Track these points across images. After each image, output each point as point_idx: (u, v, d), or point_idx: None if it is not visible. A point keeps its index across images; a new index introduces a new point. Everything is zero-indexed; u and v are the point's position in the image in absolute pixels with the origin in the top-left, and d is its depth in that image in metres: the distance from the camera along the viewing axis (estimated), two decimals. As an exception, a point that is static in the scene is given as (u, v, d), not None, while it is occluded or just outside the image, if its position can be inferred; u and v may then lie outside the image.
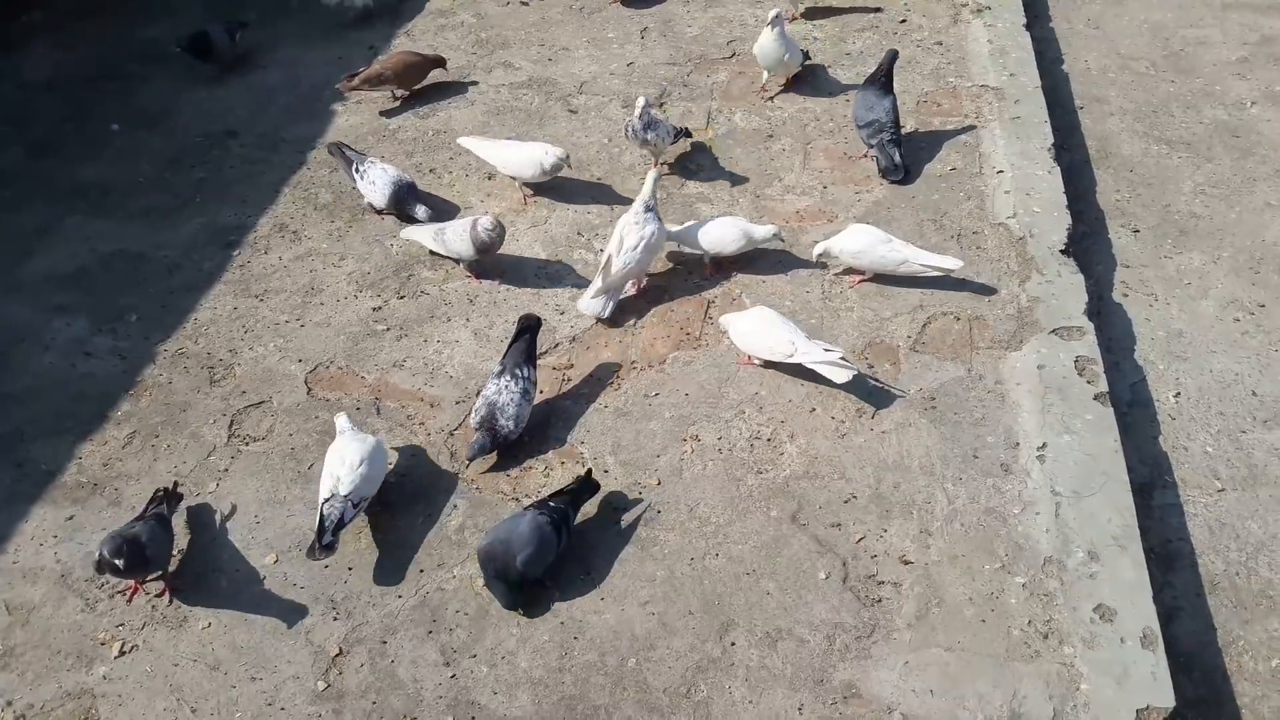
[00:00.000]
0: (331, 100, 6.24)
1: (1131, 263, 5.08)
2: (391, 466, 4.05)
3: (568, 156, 5.33)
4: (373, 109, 6.19)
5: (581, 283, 4.89)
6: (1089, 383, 4.25)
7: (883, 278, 4.78)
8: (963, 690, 3.34)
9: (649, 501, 3.93)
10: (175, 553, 3.73)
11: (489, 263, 4.90)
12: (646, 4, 7.06)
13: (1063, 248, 4.89)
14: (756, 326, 4.35)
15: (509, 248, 5.09)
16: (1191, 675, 3.51)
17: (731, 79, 6.32)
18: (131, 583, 3.65)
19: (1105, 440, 4.02)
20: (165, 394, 4.44)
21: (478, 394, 4.21)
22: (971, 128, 5.81)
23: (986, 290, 4.74)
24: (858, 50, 6.56)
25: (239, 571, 3.75)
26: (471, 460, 4.05)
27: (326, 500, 3.72)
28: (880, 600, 3.59)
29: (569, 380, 4.45)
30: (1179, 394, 4.42)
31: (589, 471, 3.90)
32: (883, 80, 5.53)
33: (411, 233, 5.03)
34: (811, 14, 6.90)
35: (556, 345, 4.60)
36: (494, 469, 4.08)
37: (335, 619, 3.60)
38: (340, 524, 3.68)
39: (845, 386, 4.22)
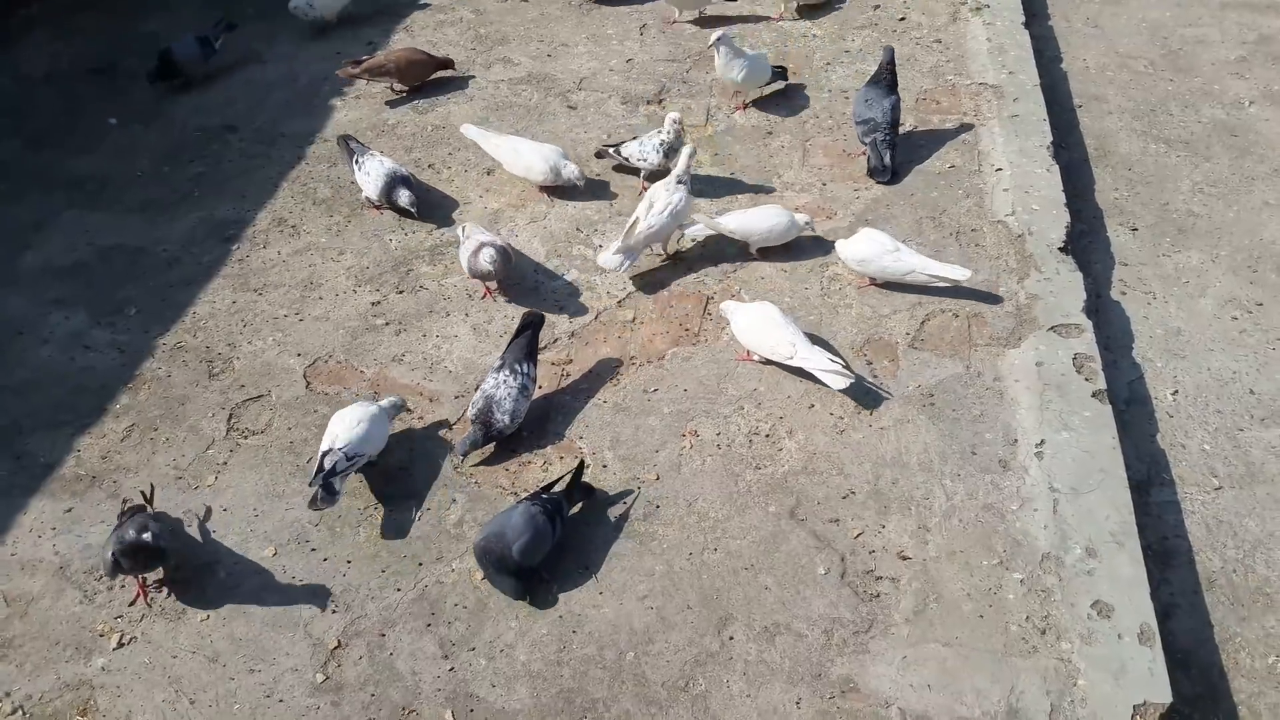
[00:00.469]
0: (330, 95, 6.24)
1: (1130, 261, 5.09)
2: (384, 447, 4.05)
3: (583, 177, 5.33)
4: (372, 104, 6.18)
5: (580, 279, 4.89)
6: (1087, 380, 4.25)
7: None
8: (960, 685, 3.35)
9: (637, 492, 3.93)
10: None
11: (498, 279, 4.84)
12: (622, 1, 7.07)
13: (1061, 245, 4.90)
14: (758, 324, 4.35)
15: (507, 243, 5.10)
16: (1189, 672, 3.51)
17: (731, 76, 6.32)
18: (138, 583, 3.64)
19: (1103, 437, 4.03)
20: (164, 387, 4.44)
21: (476, 388, 4.21)
22: (970, 125, 5.82)
23: (985, 287, 4.74)
24: (857, 48, 6.57)
25: (237, 564, 3.75)
26: (464, 455, 4.06)
27: (326, 453, 3.84)
28: (878, 595, 3.60)
29: (568, 375, 4.45)
30: (1177, 392, 4.43)
31: (581, 463, 3.90)
32: (885, 79, 5.54)
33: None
34: (808, 11, 6.91)
35: (556, 340, 4.60)
36: (492, 463, 4.08)
37: (334, 612, 3.60)
38: (334, 471, 3.78)
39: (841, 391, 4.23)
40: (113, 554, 3.46)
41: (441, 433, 4.21)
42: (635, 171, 5.43)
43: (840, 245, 4.79)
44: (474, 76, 6.39)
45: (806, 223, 4.93)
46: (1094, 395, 4.19)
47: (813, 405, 4.26)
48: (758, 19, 6.89)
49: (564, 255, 5.06)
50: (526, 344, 4.22)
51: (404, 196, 5.15)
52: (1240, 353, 4.57)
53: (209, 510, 3.92)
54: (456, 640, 3.51)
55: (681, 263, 4.99)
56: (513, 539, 3.53)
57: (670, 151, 5.23)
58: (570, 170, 5.24)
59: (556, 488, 3.84)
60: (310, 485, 3.79)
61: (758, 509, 3.89)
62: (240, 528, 3.87)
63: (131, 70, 6.42)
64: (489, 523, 3.69)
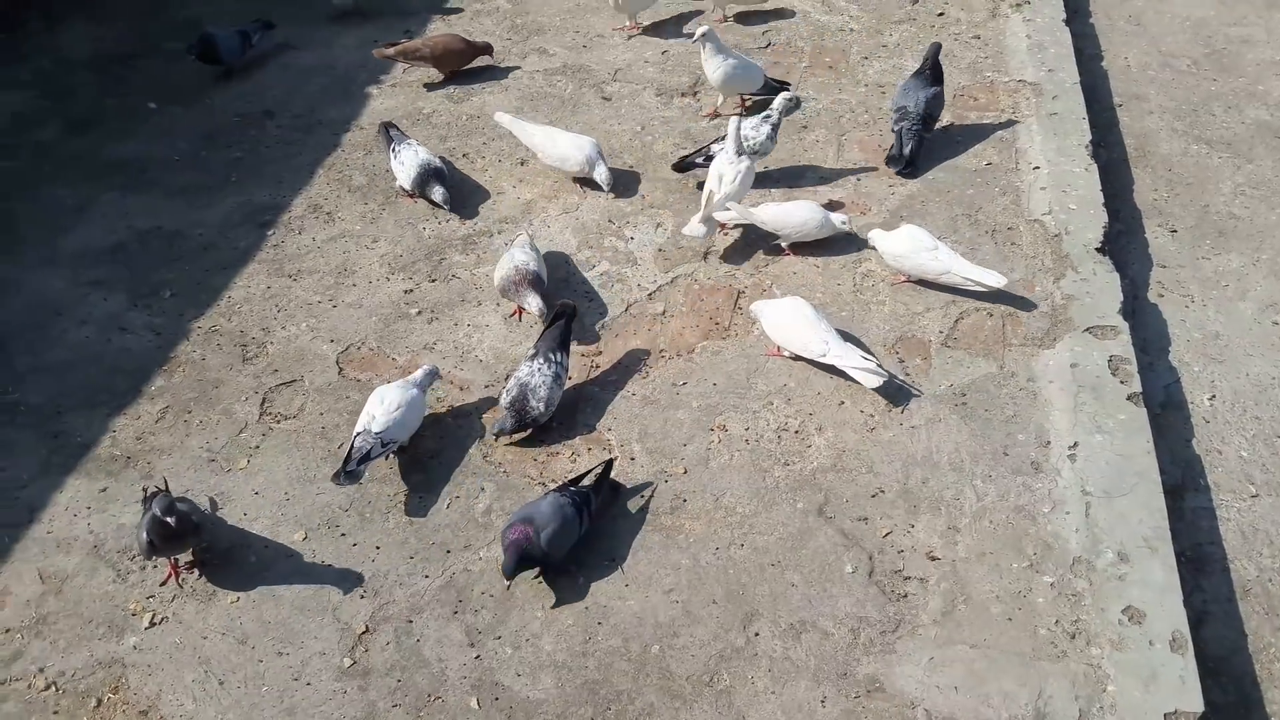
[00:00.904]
0: (367, 83, 6.27)
1: (1168, 263, 5.03)
2: (416, 431, 4.08)
3: (614, 184, 5.33)
4: (409, 92, 6.20)
5: (612, 271, 4.89)
6: (1122, 383, 4.20)
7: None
8: (987, 688, 3.32)
9: (664, 485, 3.93)
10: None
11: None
12: None
13: (1098, 246, 4.85)
14: (790, 320, 4.33)
15: (539, 233, 5.11)
16: (1220, 680, 3.47)
17: (766, 69, 6.28)
18: (170, 564, 3.68)
19: (1138, 441, 3.98)
20: (198, 370, 4.48)
21: (508, 377, 4.23)
22: (1008, 123, 5.76)
23: (1020, 287, 4.70)
24: (894, 43, 6.52)
25: (268, 548, 3.78)
26: (497, 436, 4.08)
27: (359, 434, 3.87)
28: (906, 595, 3.58)
29: (597, 367, 4.45)
30: (1214, 396, 4.37)
31: (610, 461, 3.90)
32: (927, 72, 5.50)
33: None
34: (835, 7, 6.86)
35: (585, 332, 4.60)
36: (521, 453, 4.09)
37: (362, 597, 3.62)
38: (366, 457, 3.82)
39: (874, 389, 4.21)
40: (148, 533, 3.50)
41: (471, 421, 4.22)
42: (683, 168, 5.38)
43: (878, 237, 4.75)
44: (510, 66, 6.40)
45: (844, 222, 4.89)
46: (1129, 398, 4.14)
47: (843, 402, 4.24)
48: (790, 13, 6.84)
49: (595, 247, 5.06)
50: (560, 334, 4.23)
51: (438, 193, 5.17)
52: (1280, 358, 4.51)
53: (214, 502, 3.94)
54: (483, 628, 3.53)
55: (713, 256, 4.98)
56: (541, 526, 3.54)
57: (777, 129, 5.25)
58: (602, 172, 5.25)
59: (584, 481, 3.84)
60: (346, 469, 3.81)
61: (785, 505, 3.88)
62: (271, 511, 3.91)
63: (172, 54, 6.47)
64: (517, 510, 3.71)
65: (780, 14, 6.81)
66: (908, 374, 4.34)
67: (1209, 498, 4.01)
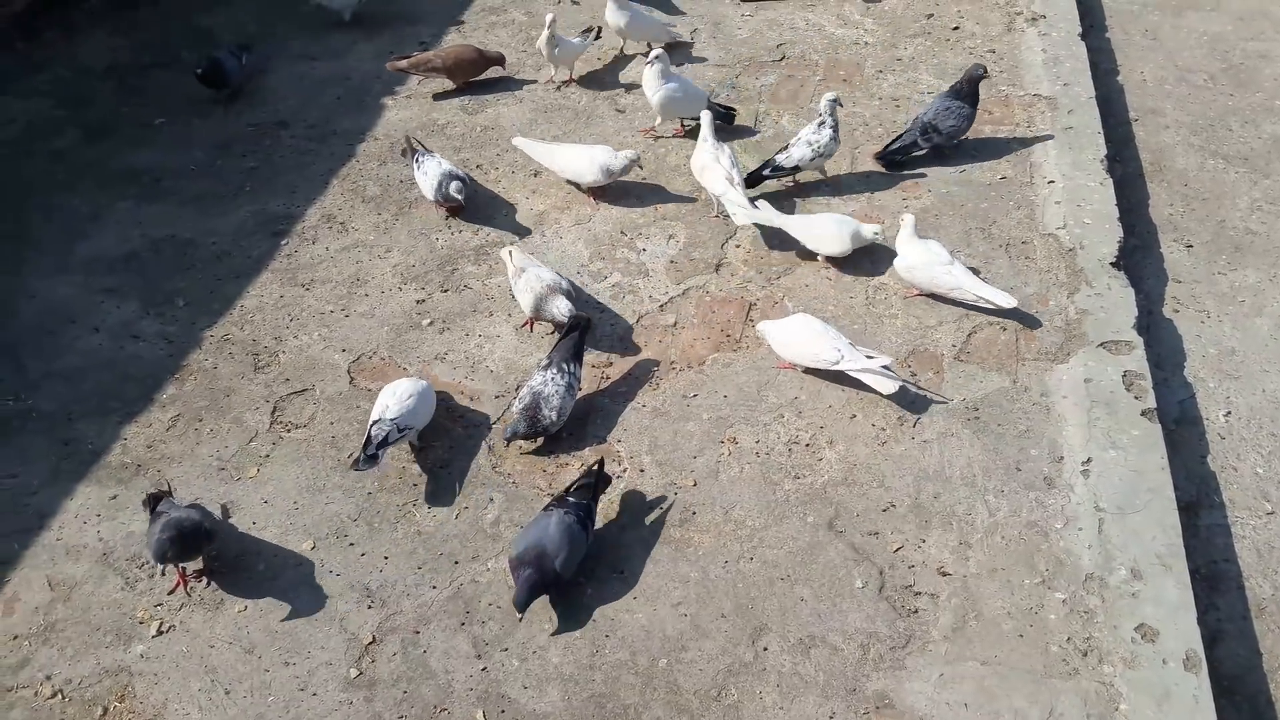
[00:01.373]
0: (381, 94, 6.29)
1: (1184, 278, 4.99)
2: (422, 439, 4.07)
3: (638, 157, 5.37)
4: (423, 104, 6.22)
5: (624, 282, 4.88)
6: (1137, 398, 4.17)
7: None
8: (998, 705, 3.29)
9: (674, 498, 3.91)
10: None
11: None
12: None
13: (1113, 261, 4.82)
14: (798, 336, 4.31)
15: (551, 244, 5.11)
16: (1234, 700, 3.43)
17: (780, 82, 6.29)
18: (178, 573, 3.68)
19: (1152, 457, 3.95)
20: (210, 379, 4.49)
21: (517, 388, 4.22)
22: (1023, 137, 5.74)
23: (1034, 301, 4.67)
24: (909, 56, 6.50)
25: (276, 557, 3.78)
26: (509, 442, 4.08)
27: (375, 423, 3.93)
28: (916, 611, 3.55)
29: (608, 378, 4.44)
30: (1229, 413, 4.33)
31: (601, 463, 3.88)
32: (957, 86, 5.53)
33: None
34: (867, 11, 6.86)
35: (597, 343, 4.59)
36: (531, 464, 4.09)
37: (369, 607, 3.61)
38: (384, 442, 3.89)
39: (889, 396, 4.19)
40: (163, 537, 3.49)
41: (482, 432, 4.22)
42: (753, 182, 5.36)
43: (898, 247, 4.74)
44: (526, 79, 6.41)
45: (875, 233, 4.84)
46: (1143, 414, 4.11)
47: (854, 415, 4.22)
48: (805, 27, 6.84)
49: (608, 258, 5.05)
50: (574, 345, 4.22)
51: (454, 185, 5.16)
52: (1297, 375, 4.46)
53: (225, 509, 3.94)
54: (490, 640, 3.51)
55: (725, 268, 4.97)
56: (554, 553, 3.51)
57: (837, 128, 5.30)
58: (621, 159, 5.27)
59: (580, 485, 3.81)
60: (366, 453, 3.88)
61: (796, 519, 3.85)
62: (280, 520, 3.90)
63: (188, 65, 6.51)
64: (523, 533, 3.66)
65: (795, 27, 6.81)
66: (921, 388, 4.32)
67: (1224, 515, 3.97)
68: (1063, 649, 3.42)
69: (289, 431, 4.25)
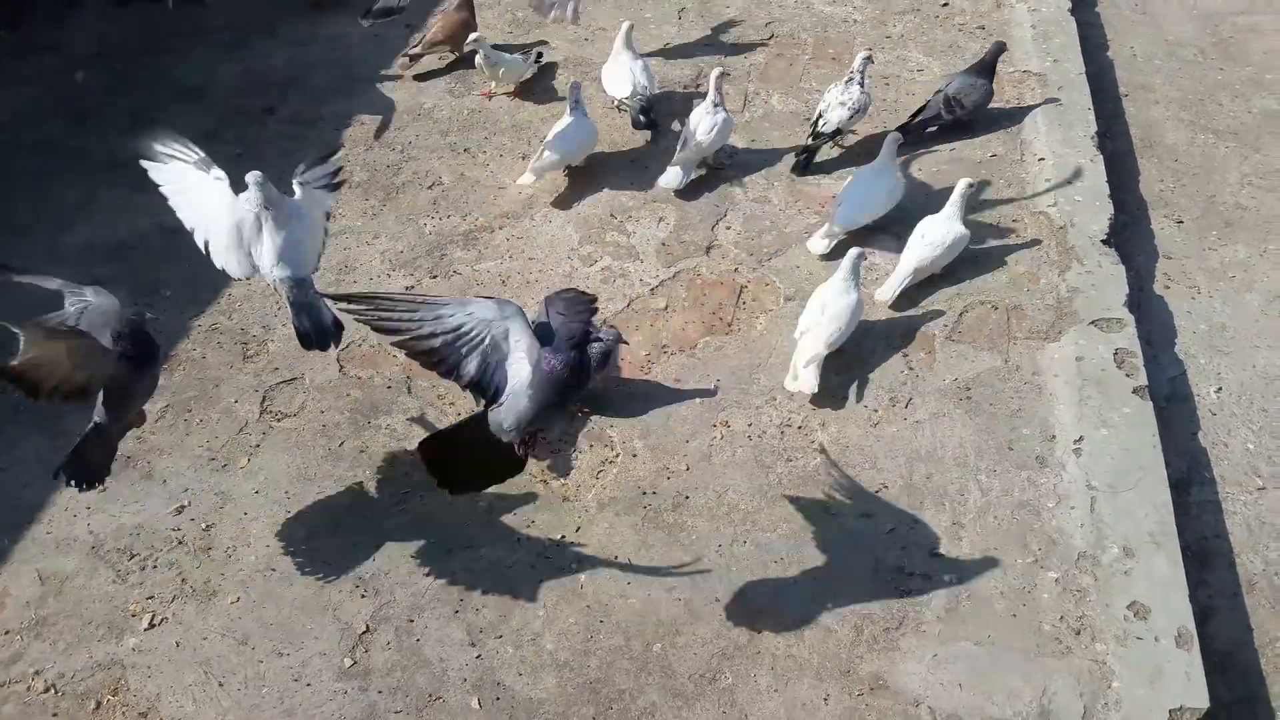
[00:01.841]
0: (368, 79, 6.24)
1: (1174, 254, 4.98)
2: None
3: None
4: (410, 88, 6.17)
5: (614, 266, 4.87)
6: (1128, 376, 4.17)
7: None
8: (991, 685, 3.30)
9: (666, 482, 3.91)
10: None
11: None
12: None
13: (1104, 237, 4.81)
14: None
15: (540, 228, 5.09)
16: (1226, 676, 3.45)
17: (769, 61, 6.25)
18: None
19: (1143, 435, 3.95)
20: (199, 369, 4.47)
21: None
22: (1013, 114, 5.72)
23: (1025, 280, 4.66)
24: (898, 34, 6.47)
25: (268, 547, 3.77)
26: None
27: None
28: (910, 592, 3.56)
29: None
30: (1220, 389, 4.34)
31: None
32: (978, 64, 5.61)
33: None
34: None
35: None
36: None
37: (363, 596, 3.61)
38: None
39: (879, 375, 4.18)
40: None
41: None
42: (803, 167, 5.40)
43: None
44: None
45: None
46: (1134, 391, 4.11)
47: (845, 397, 4.21)
48: (793, 5, 6.80)
49: (597, 241, 5.03)
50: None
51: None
52: (1287, 350, 4.46)
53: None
54: (484, 627, 3.51)
55: (716, 250, 4.95)
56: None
57: (864, 84, 5.37)
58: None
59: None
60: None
61: (788, 501, 3.85)
62: (271, 510, 3.89)
63: (177, 52, 6.45)
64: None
65: (784, 5, 6.76)
66: (912, 368, 4.31)
67: (1215, 491, 3.98)
68: (1055, 628, 3.43)
69: (279, 421, 4.24)
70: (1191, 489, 3.99)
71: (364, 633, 3.51)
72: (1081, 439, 3.96)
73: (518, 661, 3.42)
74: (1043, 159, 5.35)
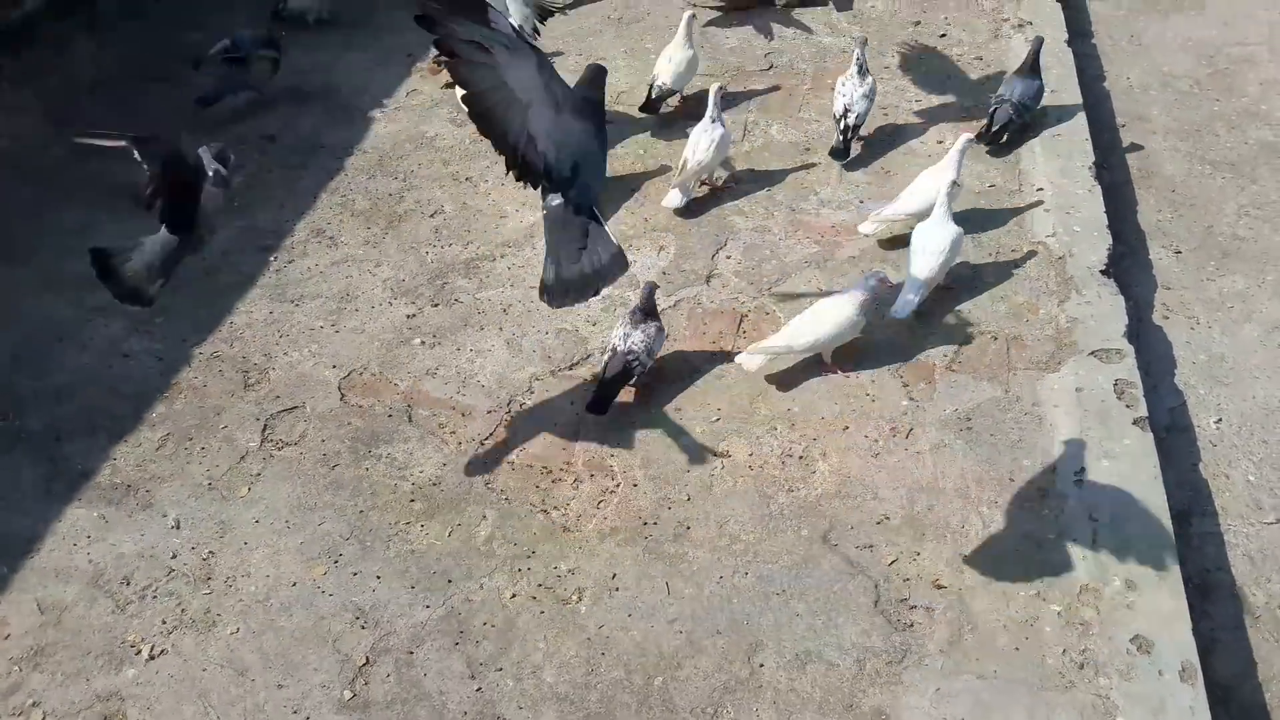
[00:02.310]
0: (369, 107, 6.28)
1: (1172, 284, 5.01)
2: (425, 473, 4.06)
3: None
4: (411, 115, 6.21)
5: (614, 294, 4.87)
6: (1128, 407, 4.18)
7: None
8: (994, 719, 3.29)
9: (658, 513, 3.91)
10: None
11: None
12: None
13: (1103, 268, 4.83)
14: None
15: (542, 257, 5.08)
16: (1230, 709, 3.44)
17: (768, 92, 6.29)
18: None
19: (1144, 466, 3.96)
20: (200, 397, 4.47)
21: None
22: (1011, 144, 5.75)
23: (1024, 309, 4.68)
24: (896, 65, 6.52)
25: (268, 577, 3.75)
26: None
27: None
28: (912, 625, 3.54)
29: (601, 392, 4.43)
30: (1220, 420, 4.35)
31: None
32: (1028, 68, 5.71)
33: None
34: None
35: (589, 356, 4.58)
36: (524, 480, 4.06)
37: (363, 627, 3.59)
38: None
39: (880, 405, 4.18)
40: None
41: (473, 448, 4.20)
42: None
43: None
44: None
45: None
46: (1135, 422, 4.12)
47: (847, 427, 4.22)
48: (793, 35, 6.85)
49: (599, 270, 5.04)
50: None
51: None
52: (1287, 381, 4.48)
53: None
54: (484, 660, 3.49)
55: (716, 279, 4.97)
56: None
57: (865, 72, 5.56)
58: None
59: None
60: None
61: (790, 533, 3.85)
62: (271, 540, 3.88)
63: (177, 79, 6.48)
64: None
65: (783, 35, 6.82)
66: (913, 398, 4.32)
67: (1216, 523, 3.98)
68: (1059, 661, 3.42)
69: (280, 449, 4.23)
70: (1193, 520, 3.99)
71: (364, 665, 3.49)
72: (1083, 470, 3.97)
73: (518, 695, 3.40)
74: (1041, 189, 5.38)
